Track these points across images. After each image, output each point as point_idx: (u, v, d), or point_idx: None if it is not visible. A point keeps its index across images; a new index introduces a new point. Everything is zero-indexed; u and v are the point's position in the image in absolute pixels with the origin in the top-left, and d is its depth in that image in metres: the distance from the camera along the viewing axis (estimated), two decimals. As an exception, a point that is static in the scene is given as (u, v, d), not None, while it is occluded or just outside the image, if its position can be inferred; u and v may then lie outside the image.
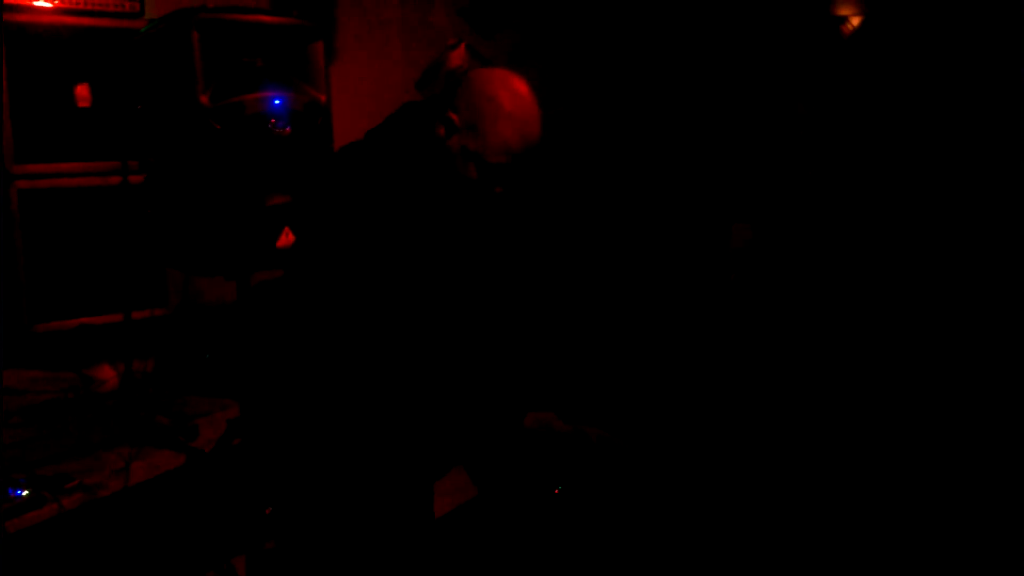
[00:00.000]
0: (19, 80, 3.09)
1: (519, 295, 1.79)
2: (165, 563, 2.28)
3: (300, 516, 1.68)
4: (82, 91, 3.24)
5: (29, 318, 3.12)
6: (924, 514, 2.22)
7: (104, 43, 3.23)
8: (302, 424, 1.66)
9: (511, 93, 1.62)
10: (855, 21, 2.64)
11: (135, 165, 2.88)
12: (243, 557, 2.23)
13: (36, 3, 3.11)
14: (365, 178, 1.66)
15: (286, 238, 2.66)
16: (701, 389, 2.60)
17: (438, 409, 1.65)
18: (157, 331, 3.21)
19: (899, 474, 2.34)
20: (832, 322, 2.62)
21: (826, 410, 2.52)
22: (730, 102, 2.91)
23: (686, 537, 2.13)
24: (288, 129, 2.64)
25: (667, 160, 3.02)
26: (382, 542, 1.63)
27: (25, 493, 2.24)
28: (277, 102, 2.64)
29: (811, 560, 2.15)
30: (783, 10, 2.77)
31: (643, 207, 2.96)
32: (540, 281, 1.85)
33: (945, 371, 2.44)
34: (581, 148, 3.15)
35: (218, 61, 2.55)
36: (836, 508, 2.28)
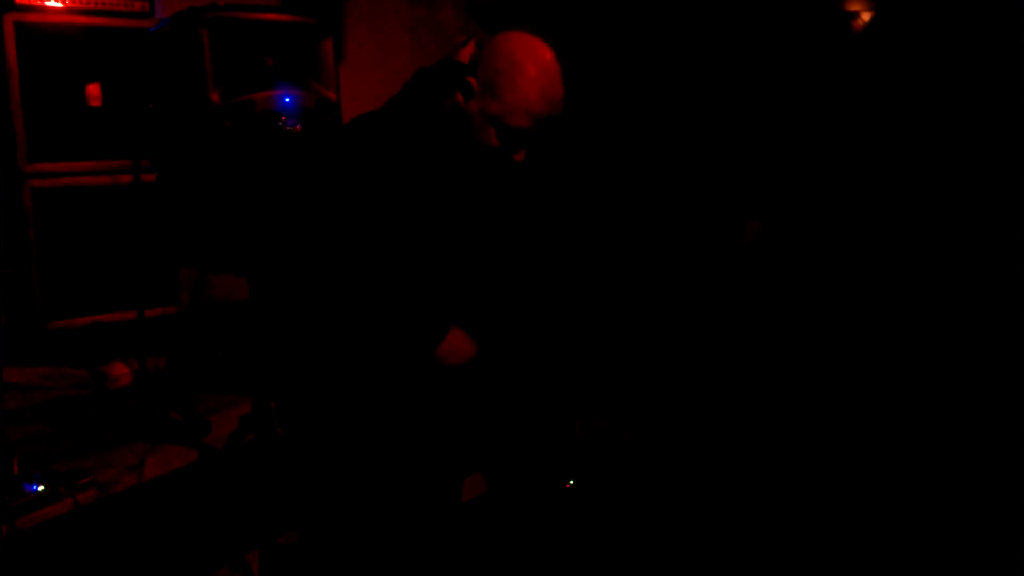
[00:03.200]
0: (31, 80, 3.11)
1: (537, 280, 1.77)
2: (178, 558, 2.30)
3: (321, 511, 1.69)
4: (93, 90, 3.25)
5: (42, 316, 3.14)
6: (937, 511, 2.22)
7: (115, 42, 3.24)
8: (320, 420, 1.65)
9: (533, 55, 1.54)
10: (866, 16, 2.63)
11: (147, 164, 2.89)
12: (256, 552, 2.25)
13: (47, 3, 3.12)
14: (378, 149, 1.58)
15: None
16: (713, 384, 2.60)
17: (458, 404, 1.64)
18: (169, 328, 3.23)
19: (915, 469, 2.34)
20: (845, 318, 2.61)
21: (837, 406, 2.52)
22: (740, 99, 2.91)
23: (697, 532, 2.13)
24: (298, 127, 2.65)
25: (679, 157, 3.02)
26: (403, 538, 1.63)
27: (40, 488, 2.26)
28: (287, 100, 2.65)
29: (825, 556, 2.15)
30: (794, 6, 2.76)
31: (654, 204, 2.95)
32: (556, 270, 1.83)
33: (959, 368, 2.43)
34: (593, 145, 3.15)
35: (228, 59, 2.57)
36: (849, 504, 2.28)
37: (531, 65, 1.54)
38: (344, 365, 1.61)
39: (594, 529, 1.82)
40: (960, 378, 2.40)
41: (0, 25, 3.00)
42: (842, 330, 2.61)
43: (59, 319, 3.17)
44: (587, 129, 3.04)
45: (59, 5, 3.15)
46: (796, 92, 2.78)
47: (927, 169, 2.56)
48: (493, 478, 1.79)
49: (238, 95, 2.56)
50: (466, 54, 3.06)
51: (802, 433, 2.49)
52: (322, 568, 1.70)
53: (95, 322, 3.22)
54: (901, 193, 2.60)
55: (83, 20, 3.20)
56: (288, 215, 1.61)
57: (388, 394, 1.60)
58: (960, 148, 2.52)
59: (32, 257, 3.12)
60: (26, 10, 3.09)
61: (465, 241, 1.64)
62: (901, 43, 2.61)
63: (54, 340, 3.17)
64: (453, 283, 1.63)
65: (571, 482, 1.71)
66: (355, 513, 1.63)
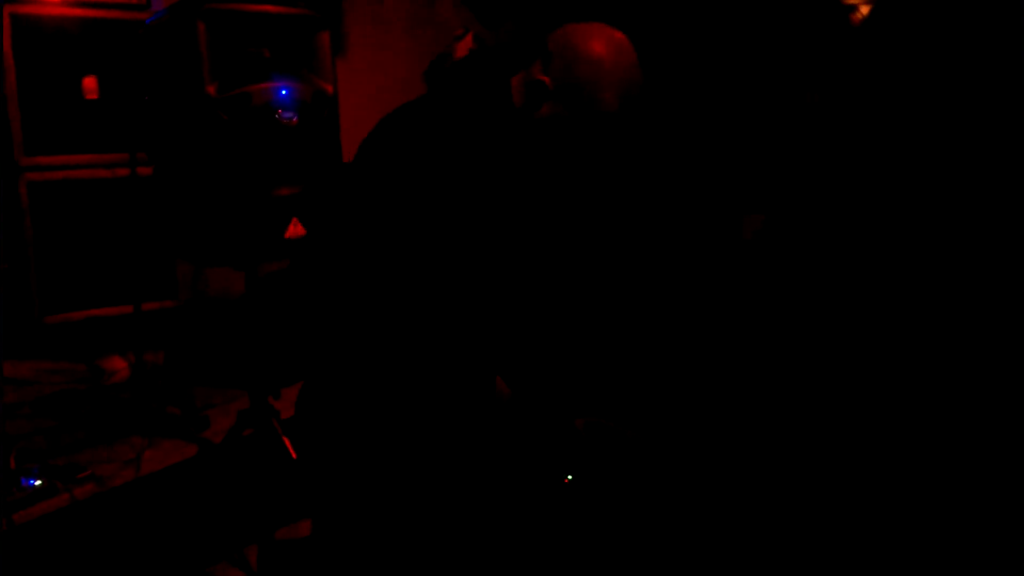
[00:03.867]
0: (27, 73, 3.10)
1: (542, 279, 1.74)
2: (176, 553, 2.30)
3: (325, 509, 1.68)
4: (90, 83, 3.24)
5: (39, 310, 3.13)
6: (937, 511, 2.22)
7: (111, 35, 3.23)
8: (325, 421, 1.64)
9: (615, 47, 1.45)
10: (865, 10, 2.62)
11: (143, 157, 2.88)
12: (254, 547, 2.25)
13: (43, -5, 3.11)
14: (422, 156, 1.46)
15: (294, 229, 2.66)
16: (714, 381, 2.60)
17: (459, 402, 1.62)
18: (167, 322, 3.23)
19: (917, 467, 2.34)
20: (847, 313, 2.61)
21: (839, 402, 2.51)
22: (739, 92, 2.90)
23: (697, 530, 2.13)
24: (295, 119, 2.64)
25: (678, 150, 3.01)
26: (404, 535, 1.63)
27: (38, 483, 2.26)
28: (284, 92, 2.63)
29: (825, 555, 2.15)
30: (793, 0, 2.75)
31: (654, 198, 2.95)
32: (548, 266, 1.82)
33: (963, 365, 2.43)
34: (589, 138, 3.13)
35: (225, 51, 2.55)
36: (851, 501, 2.28)
37: (613, 60, 1.45)
38: (357, 368, 1.58)
39: (595, 527, 1.82)
40: (964, 376, 2.40)
41: (-4, 18, 2.99)
42: (844, 326, 2.60)
43: (56, 313, 3.17)
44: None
45: (55, -3, 3.14)
46: (795, 86, 2.77)
47: (929, 163, 2.55)
48: (491, 475, 1.78)
49: (235, 87, 2.55)
50: (464, 47, 3.05)
51: (803, 430, 2.49)
52: (320, 563, 1.69)
53: (92, 316, 3.22)
54: (902, 188, 2.59)
55: (79, 12, 3.19)
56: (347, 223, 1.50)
57: (398, 396, 1.58)
58: (962, 142, 2.51)
59: (29, 251, 3.11)
60: (22, 2, 3.08)
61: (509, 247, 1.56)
62: (900, 37, 2.60)
63: (51, 334, 3.17)
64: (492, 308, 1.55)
65: (569, 476, 1.71)
66: (357, 510, 1.62)
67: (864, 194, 2.60)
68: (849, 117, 2.63)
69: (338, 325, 1.56)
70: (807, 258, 2.66)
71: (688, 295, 2.74)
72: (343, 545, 1.64)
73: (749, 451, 2.42)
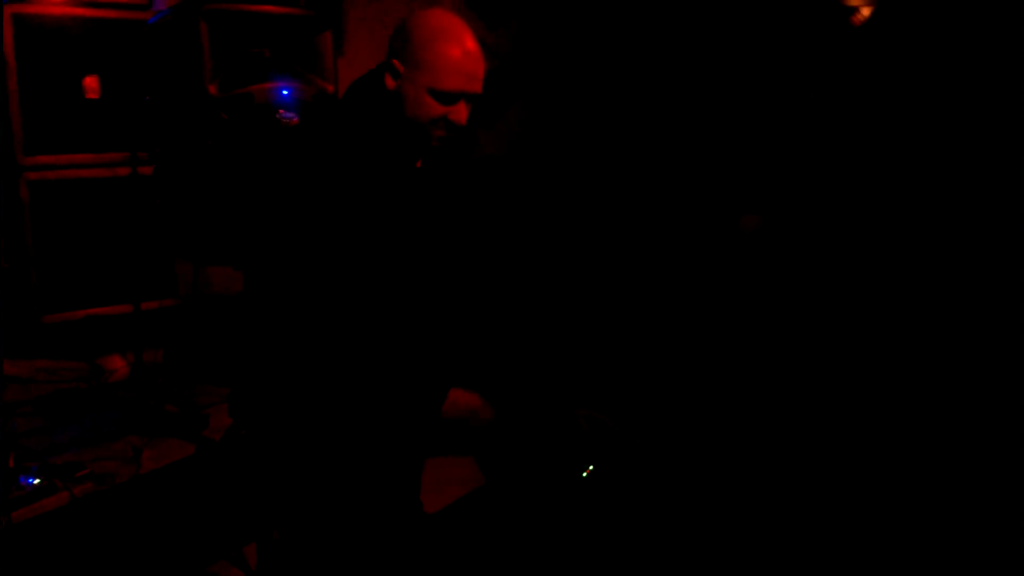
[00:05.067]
0: (28, 72, 3.10)
1: (520, 279, 1.76)
2: (175, 551, 2.29)
3: (298, 507, 1.68)
4: (91, 83, 3.25)
5: (39, 309, 3.13)
6: (937, 511, 2.22)
7: (112, 34, 3.23)
8: (292, 415, 1.64)
9: (442, 20, 1.59)
10: (865, 11, 2.62)
11: (144, 156, 2.89)
12: (253, 545, 2.24)
13: (45, -5, 3.12)
14: (327, 154, 1.59)
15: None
16: (713, 379, 2.60)
17: (432, 394, 1.62)
18: (167, 321, 3.23)
19: (916, 467, 2.34)
20: (845, 313, 2.61)
21: (837, 402, 2.52)
22: (739, 92, 2.90)
23: (695, 528, 2.13)
24: (296, 119, 2.65)
25: (676, 150, 3.02)
26: (377, 532, 1.63)
27: (37, 481, 2.25)
28: (285, 92, 2.64)
29: (825, 555, 2.15)
30: (794, 0, 2.76)
31: (653, 198, 2.95)
32: (547, 266, 1.83)
33: (961, 365, 2.43)
34: (589, 138, 3.15)
35: (226, 51, 2.56)
36: (847, 501, 2.28)
37: (438, 23, 1.58)
38: (328, 365, 1.58)
39: (597, 524, 1.82)
40: (962, 376, 2.40)
41: (-3, 17, 2.99)
42: (842, 325, 2.60)
43: (56, 312, 3.17)
44: (581, 123, 3.04)
45: (57, -3, 3.14)
46: (795, 86, 2.78)
47: (928, 164, 2.56)
48: (490, 471, 1.78)
49: (236, 87, 2.56)
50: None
51: (802, 429, 2.49)
52: (317, 562, 1.69)
53: (92, 315, 3.21)
54: (901, 188, 2.59)
55: (81, 12, 3.19)
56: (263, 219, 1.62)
57: (370, 391, 1.58)
58: (961, 143, 2.52)
59: (29, 250, 3.11)
60: (24, 2, 3.08)
61: (427, 242, 1.64)
62: (901, 38, 2.60)
63: (51, 333, 3.17)
64: (420, 284, 1.62)
65: (590, 468, 1.70)
66: (329, 507, 1.62)
67: (862, 194, 2.60)
68: (849, 117, 2.64)
69: (291, 326, 1.58)
70: (805, 257, 2.67)
71: (686, 293, 2.75)
72: (331, 545, 1.64)
73: (746, 448, 2.42)
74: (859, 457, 2.38)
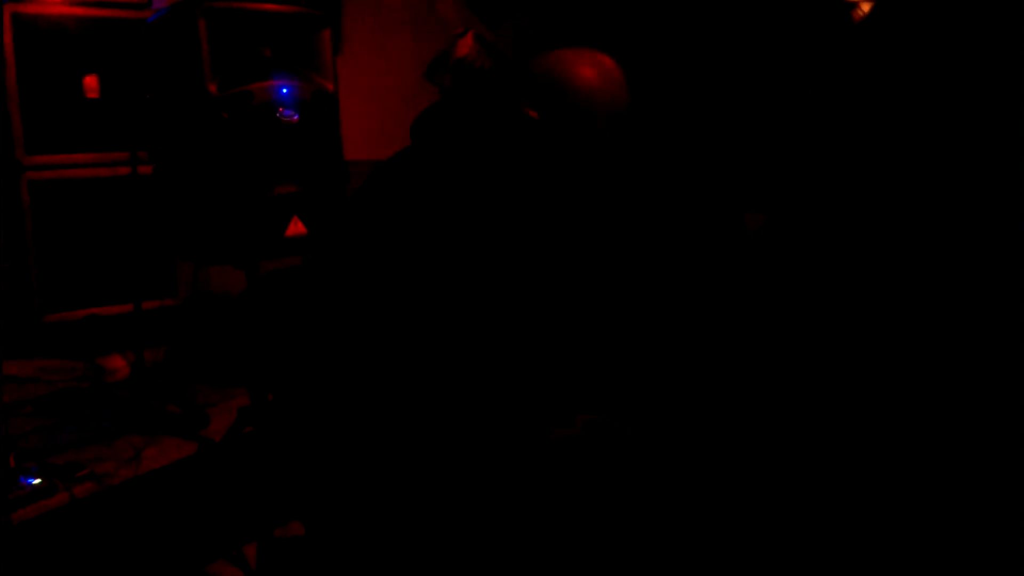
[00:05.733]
0: (28, 72, 3.10)
1: (544, 287, 1.75)
2: (176, 551, 2.29)
3: (319, 506, 1.68)
4: (91, 82, 3.25)
5: (40, 308, 3.13)
6: (937, 511, 2.21)
7: (112, 34, 3.24)
8: (317, 414, 1.64)
9: (602, 77, 1.52)
10: (865, 7, 2.61)
11: (144, 155, 2.89)
12: (254, 545, 2.24)
13: (44, -6, 3.12)
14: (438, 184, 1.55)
15: (295, 227, 2.66)
16: (714, 379, 2.59)
17: (457, 405, 1.62)
18: (167, 321, 3.23)
19: (925, 467, 2.33)
20: (846, 312, 2.60)
21: (840, 402, 2.51)
22: (740, 91, 2.89)
23: (699, 529, 2.12)
24: (296, 118, 2.64)
25: (678, 149, 3.01)
26: (398, 530, 1.63)
27: (37, 481, 2.25)
28: (285, 91, 2.64)
29: (826, 554, 2.14)
30: (793, -3, 2.75)
31: (654, 197, 2.95)
32: (562, 271, 1.82)
33: (960, 365, 2.42)
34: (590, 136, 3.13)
35: (226, 50, 2.55)
36: (850, 501, 2.27)
37: (593, 75, 1.52)
38: (363, 364, 1.58)
39: (595, 526, 1.81)
40: (965, 376, 2.39)
41: (-3, 16, 2.99)
42: (846, 324, 2.60)
43: (57, 311, 3.17)
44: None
45: (56, -4, 3.14)
46: (796, 83, 2.77)
47: (930, 162, 2.55)
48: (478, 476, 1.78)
49: (235, 86, 2.55)
50: (465, 45, 3.04)
51: (805, 429, 2.48)
52: (320, 561, 1.69)
53: (93, 314, 3.21)
54: (903, 187, 2.58)
55: (80, 11, 3.19)
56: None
57: (392, 389, 1.58)
58: (963, 140, 2.51)
59: (30, 249, 3.11)
60: (23, 1, 3.08)
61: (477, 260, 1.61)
62: (902, 34, 2.59)
63: (52, 333, 3.17)
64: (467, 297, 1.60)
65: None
66: (355, 507, 1.62)
67: (865, 193, 2.59)
68: (850, 115, 2.63)
69: (349, 323, 1.58)
70: (809, 257, 2.65)
71: (690, 294, 2.74)
72: (342, 544, 1.63)
73: (750, 449, 2.41)
74: (865, 457, 2.37)
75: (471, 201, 1.56)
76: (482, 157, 1.58)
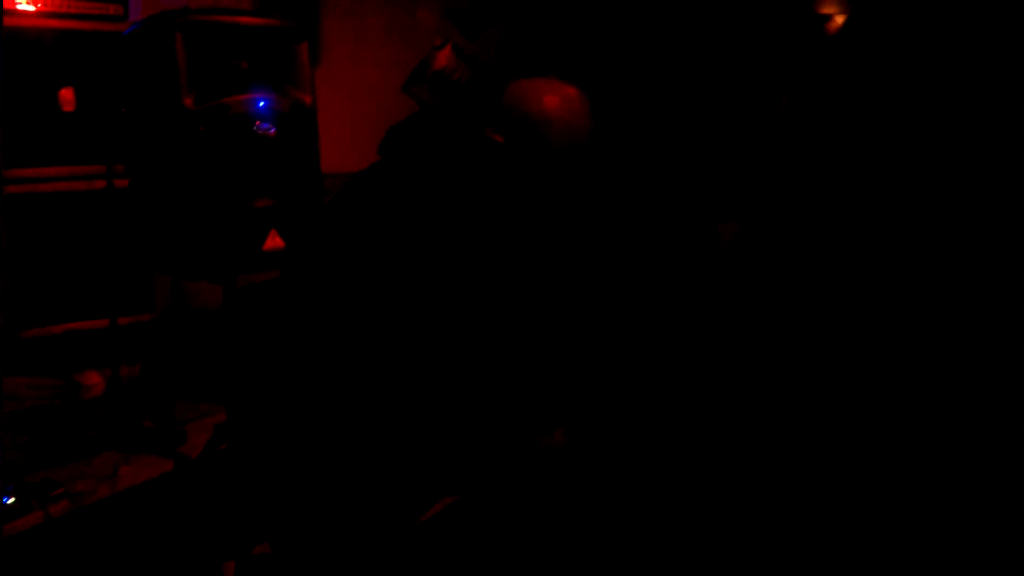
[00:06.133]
0: (3, 85, 3.07)
1: (517, 300, 1.77)
2: (153, 569, 2.27)
3: (291, 520, 1.67)
4: (66, 95, 3.22)
5: (15, 323, 3.10)
6: (920, 514, 2.22)
7: (88, 46, 3.21)
8: (293, 428, 1.64)
9: (565, 107, 1.61)
10: (839, 19, 2.64)
11: (120, 169, 2.86)
12: (232, 562, 2.22)
13: (18, 6, 3.09)
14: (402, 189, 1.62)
15: (272, 241, 2.64)
16: (693, 387, 2.60)
17: (435, 418, 1.63)
18: (144, 336, 3.20)
19: (890, 472, 2.35)
20: (822, 319, 2.62)
21: (817, 407, 2.52)
22: (714, 100, 2.91)
23: (679, 536, 2.13)
24: (273, 131, 2.63)
25: (652, 158, 3.02)
26: (371, 545, 1.62)
27: (11, 500, 2.23)
28: (262, 104, 2.62)
29: (805, 559, 2.15)
30: (767, 8, 2.77)
31: (627, 206, 2.95)
32: (534, 283, 1.82)
33: (940, 371, 2.44)
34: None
35: (202, 63, 2.54)
36: (827, 506, 2.28)
37: (558, 108, 1.61)
38: (325, 374, 1.59)
39: (574, 534, 1.81)
40: (943, 382, 2.41)
41: (-30, 29, 2.96)
42: (821, 332, 2.61)
43: (33, 327, 3.13)
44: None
45: (31, 8, 3.11)
46: (771, 94, 2.79)
47: (904, 171, 2.57)
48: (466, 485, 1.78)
49: (212, 99, 2.53)
50: (443, 56, 3.04)
51: (782, 436, 2.49)
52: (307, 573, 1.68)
53: (69, 330, 3.18)
54: (875, 195, 2.61)
55: (55, 24, 3.17)
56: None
57: (366, 403, 1.59)
58: (937, 148, 2.53)
59: (5, 264, 3.08)
60: (-3, 14, 3.05)
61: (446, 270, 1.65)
62: (875, 46, 2.62)
63: (28, 348, 3.13)
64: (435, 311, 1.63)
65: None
66: (323, 520, 1.62)
67: (838, 201, 2.61)
68: (824, 125, 2.65)
69: (322, 339, 1.58)
70: (782, 265, 2.67)
71: (665, 303, 2.75)
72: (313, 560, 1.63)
73: (727, 455, 2.42)
74: (837, 463, 2.39)
75: (436, 219, 1.61)
76: (445, 176, 1.63)
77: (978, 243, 2.34)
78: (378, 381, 1.58)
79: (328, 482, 1.61)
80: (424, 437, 1.65)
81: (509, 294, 1.74)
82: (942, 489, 2.26)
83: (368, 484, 1.62)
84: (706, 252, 2.78)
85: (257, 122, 2.59)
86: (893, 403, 2.45)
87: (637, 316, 2.69)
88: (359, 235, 1.59)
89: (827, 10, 2.62)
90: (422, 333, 1.60)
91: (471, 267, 1.66)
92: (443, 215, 1.62)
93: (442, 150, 1.66)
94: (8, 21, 3.07)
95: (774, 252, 2.69)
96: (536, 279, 1.82)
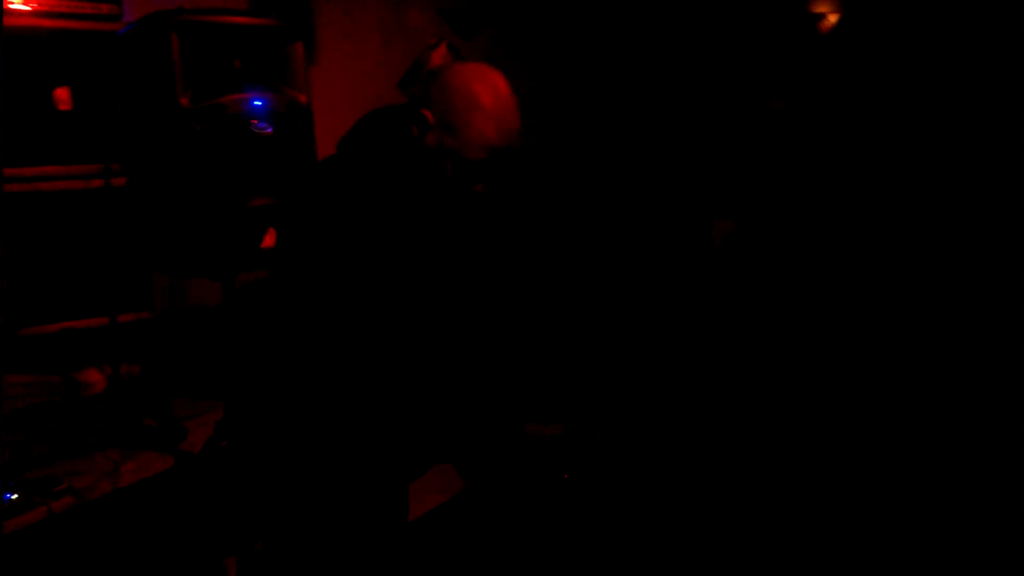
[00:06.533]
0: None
1: (503, 295, 1.79)
2: (155, 565, 2.30)
3: (285, 516, 1.70)
4: (62, 94, 3.22)
5: (14, 322, 3.11)
6: (918, 514, 2.24)
7: (83, 46, 3.21)
8: (287, 424, 1.66)
9: (488, 87, 1.58)
10: (832, 18, 2.66)
11: (117, 168, 2.88)
12: (233, 558, 2.25)
13: (12, 6, 3.09)
14: (347, 182, 1.64)
15: (271, 239, 2.66)
16: (688, 385, 2.62)
17: (423, 411, 1.66)
18: (143, 334, 3.21)
19: (887, 472, 2.37)
20: (817, 318, 2.65)
21: (812, 405, 2.55)
22: (707, 100, 2.93)
23: (677, 533, 2.15)
24: (269, 130, 2.65)
25: (647, 157, 3.04)
26: (363, 541, 1.65)
27: (14, 497, 2.25)
28: (258, 103, 2.64)
29: (799, 558, 2.17)
30: (761, 7, 2.79)
31: (623, 206, 2.97)
32: (524, 281, 1.85)
33: (932, 368, 2.47)
34: (561, 148, 3.16)
35: (197, 63, 2.56)
36: (823, 505, 2.30)
37: (487, 98, 1.58)
38: (313, 370, 1.61)
39: (578, 529, 1.84)
40: (944, 376, 2.44)
41: (-35, 29, 2.96)
42: (817, 330, 2.64)
43: (31, 326, 3.14)
44: (554, 134, 3.06)
45: (25, 8, 3.11)
46: (764, 93, 2.81)
47: (899, 169, 2.60)
48: (470, 477, 1.80)
49: (208, 98, 2.55)
50: (438, 55, 3.05)
51: (777, 435, 2.52)
52: (301, 571, 1.71)
53: (68, 328, 3.20)
54: (869, 193, 2.63)
55: (51, 23, 3.17)
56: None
57: (354, 398, 1.61)
58: (931, 147, 2.56)
59: (3, 263, 3.09)
60: (-8, 14, 3.05)
61: (427, 269, 1.67)
62: (868, 43, 2.64)
63: (26, 347, 3.15)
64: (417, 307, 1.65)
65: (565, 475, 1.72)
66: (316, 517, 1.64)
67: (832, 199, 2.64)
68: (817, 124, 2.67)
69: (314, 331, 1.61)
70: (779, 262, 2.70)
71: (661, 301, 2.77)
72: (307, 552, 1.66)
73: (722, 455, 2.45)
74: (834, 461, 2.41)
75: (382, 215, 1.63)
76: (380, 169, 1.65)
77: (975, 242, 2.37)
78: (374, 378, 1.60)
79: (326, 478, 1.63)
80: (421, 431, 1.67)
81: (487, 289, 1.77)
82: (942, 489, 2.28)
83: (365, 480, 1.64)
84: (701, 250, 2.80)
85: (253, 121, 2.61)
86: (891, 401, 2.47)
87: (632, 314, 2.71)
88: (325, 232, 1.60)
89: (820, 9, 2.64)
90: (412, 330, 1.62)
91: (428, 264, 1.69)
92: (386, 211, 1.64)
93: (380, 142, 1.66)
94: (4, 21, 3.07)
95: (769, 250, 2.71)
96: (510, 276, 1.85)
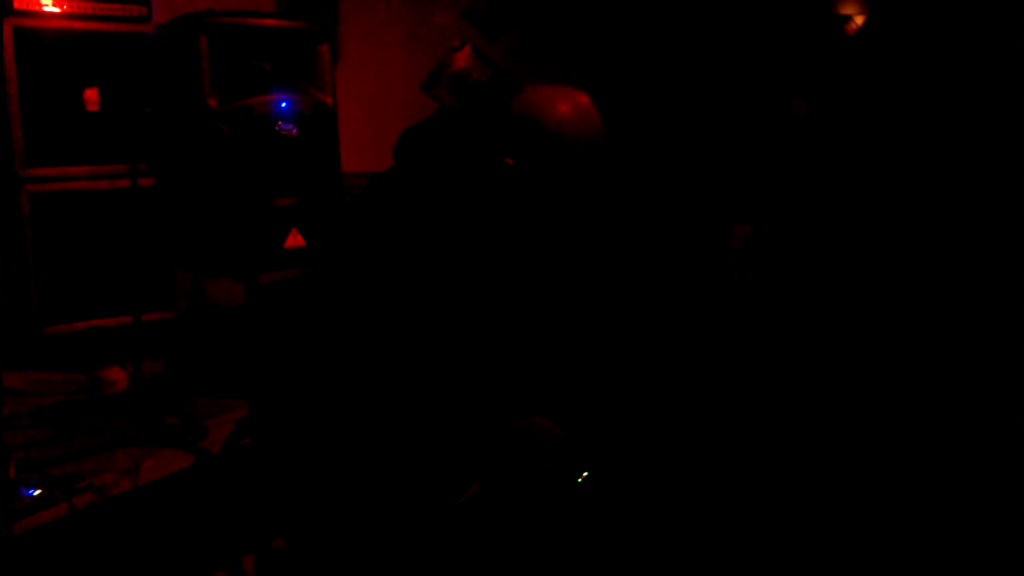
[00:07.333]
0: (29, 84, 3.12)
1: (530, 297, 1.78)
2: (174, 562, 2.30)
3: (308, 515, 1.69)
4: (91, 95, 3.27)
5: (39, 320, 3.15)
6: (924, 514, 2.22)
7: (112, 47, 3.26)
8: (311, 424, 1.67)
9: (578, 117, 1.57)
10: (859, 20, 2.64)
11: (144, 168, 2.91)
12: (251, 556, 2.25)
13: (44, 8, 3.14)
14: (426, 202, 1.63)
15: (294, 239, 2.67)
16: (704, 389, 2.60)
17: (452, 413, 1.65)
18: (166, 333, 3.24)
19: (901, 474, 2.34)
20: (836, 321, 2.62)
21: (828, 409, 2.52)
22: (730, 101, 2.92)
23: (684, 535, 2.13)
24: (295, 131, 2.66)
25: (668, 160, 3.03)
26: (390, 542, 1.64)
27: (37, 493, 2.26)
28: (284, 104, 2.66)
29: (807, 560, 2.15)
30: (786, 9, 2.77)
31: (643, 208, 2.96)
32: (546, 282, 1.84)
33: (950, 370, 2.44)
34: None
35: (225, 64, 2.58)
36: (837, 508, 2.28)
37: (567, 119, 1.56)
38: (343, 371, 1.61)
39: (590, 529, 1.83)
40: (954, 386, 2.41)
41: (-1, 30, 3.02)
42: (835, 336, 2.61)
43: (56, 324, 3.18)
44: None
45: (57, 10, 3.16)
46: (788, 95, 2.79)
47: (921, 173, 2.57)
48: (484, 477, 1.79)
49: (235, 100, 2.57)
50: (462, 57, 3.06)
51: (792, 439, 2.49)
52: (315, 573, 1.70)
53: (92, 327, 3.23)
54: (892, 198, 2.60)
55: (81, 25, 3.22)
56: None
57: (384, 399, 1.61)
58: (954, 152, 2.53)
59: (29, 262, 3.13)
60: (24, 15, 3.10)
61: (456, 269, 1.67)
62: (895, 47, 2.62)
63: (51, 345, 3.18)
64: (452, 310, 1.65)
65: (584, 474, 1.71)
66: (341, 517, 1.64)
67: (854, 204, 2.61)
68: (842, 127, 2.65)
69: (339, 338, 1.61)
70: (797, 267, 2.67)
71: (679, 304, 2.76)
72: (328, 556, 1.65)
73: (736, 459, 2.42)
74: (853, 464, 2.39)
75: (453, 227, 1.62)
76: (460, 188, 1.62)
77: (1007, 247, 2.33)
78: (397, 380, 1.60)
79: (347, 478, 1.63)
80: (442, 433, 1.66)
81: (523, 296, 1.76)
82: (944, 490, 2.26)
83: (387, 480, 1.64)
84: (720, 254, 2.79)
85: (279, 122, 2.63)
86: (907, 407, 2.44)
87: (650, 317, 2.70)
88: (379, 239, 1.61)
89: (847, 11, 2.62)
90: (440, 335, 1.62)
91: (486, 272, 1.67)
92: (459, 224, 1.63)
93: (456, 163, 1.64)
94: (33, 23, 3.13)
95: (788, 254, 2.69)
96: (548, 281, 1.83)
